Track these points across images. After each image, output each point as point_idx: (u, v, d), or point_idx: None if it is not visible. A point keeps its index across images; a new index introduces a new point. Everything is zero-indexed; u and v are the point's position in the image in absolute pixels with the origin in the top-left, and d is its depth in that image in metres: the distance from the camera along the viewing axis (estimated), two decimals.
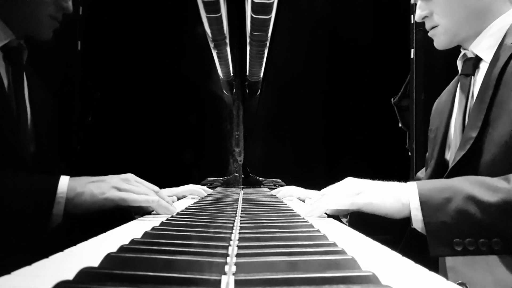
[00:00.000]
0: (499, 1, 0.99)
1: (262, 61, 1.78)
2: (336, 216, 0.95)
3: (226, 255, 0.46)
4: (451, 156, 1.01)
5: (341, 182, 0.89)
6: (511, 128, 0.82)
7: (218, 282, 0.36)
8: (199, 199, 1.22)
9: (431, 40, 1.12)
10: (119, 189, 0.86)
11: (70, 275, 0.37)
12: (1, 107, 0.94)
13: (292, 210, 0.97)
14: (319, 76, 2.75)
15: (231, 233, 0.60)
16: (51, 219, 0.80)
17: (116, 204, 0.85)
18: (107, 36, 2.36)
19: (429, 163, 1.13)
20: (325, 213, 0.92)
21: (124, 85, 2.45)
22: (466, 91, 1.00)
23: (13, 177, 0.84)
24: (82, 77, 1.95)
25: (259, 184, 2.23)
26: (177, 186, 1.48)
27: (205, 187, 1.67)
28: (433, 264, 0.89)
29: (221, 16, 1.35)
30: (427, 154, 1.21)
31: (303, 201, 1.39)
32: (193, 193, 1.47)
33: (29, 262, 0.43)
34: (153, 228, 0.63)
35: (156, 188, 0.94)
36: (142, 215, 0.95)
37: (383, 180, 0.87)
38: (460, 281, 0.82)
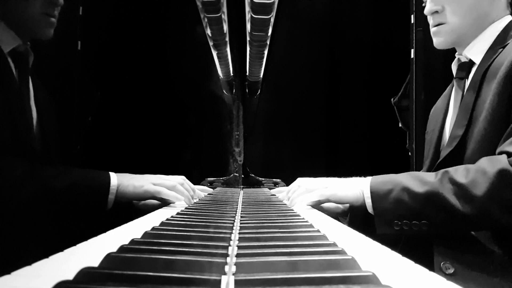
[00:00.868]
0: (497, 7, 1.04)
1: (262, 61, 1.78)
2: (335, 216, 1.02)
3: (226, 255, 0.46)
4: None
5: (314, 179, 1.07)
6: (485, 124, 0.93)
7: (218, 282, 0.36)
8: (199, 199, 1.22)
9: (431, 40, 1.13)
10: (155, 184, 1.05)
11: (70, 275, 0.37)
12: (15, 104, 1.03)
13: (292, 210, 0.97)
14: (319, 76, 2.75)
15: (231, 233, 0.60)
16: (107, 205, 1.01)
17: (151, 195, 1.04)
18: (107, 36, 2.36)
19: (424, 162, 1.20)
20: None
21: (124, 85, 2.45)
22: (460, 93, 1.05)
23: (75, 171, 1.03)
24: (82, 77, 1.95)
25: (259, 184, 2.23)
26: None
27: (204, 187, 1.67)
28: (429, 262, 0.94)
29: (221, 16, 1.35)
30: (424, 157, 1.26)
31: None
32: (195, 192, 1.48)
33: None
34: (153, 228, 0.63)
35: (182, 178, 1.12)
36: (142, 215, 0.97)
37: None
38: (445, 262, 0.91)
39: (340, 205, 1.13)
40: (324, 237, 0.57)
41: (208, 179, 2.15)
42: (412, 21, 1.93)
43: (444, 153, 1.02)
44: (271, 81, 2.39)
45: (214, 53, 1.74)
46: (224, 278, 0.37)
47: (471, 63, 1.06)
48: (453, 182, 0.85)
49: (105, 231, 0.66)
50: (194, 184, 1.53)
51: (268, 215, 0.86)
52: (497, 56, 0.97)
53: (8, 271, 0.39)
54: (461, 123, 0.99)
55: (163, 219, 0.75)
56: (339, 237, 0.64)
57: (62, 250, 0.50)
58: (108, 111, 2.28)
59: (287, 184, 2.15)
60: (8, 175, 0.93)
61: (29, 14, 1.04)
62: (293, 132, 2.69)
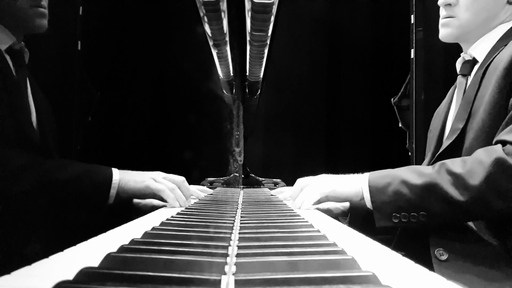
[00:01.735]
0: (507, 11, 1.07)
1: (262, 61, 1.78)
2: (335, 217, 1.03)
3: (226, 255, 0.46)
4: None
5: (314, 177, 1.07)
6: (484, 116, 0.95)
7: (218, 282, 0.36)
8: (199, 199, 1.22)
9: (431, 40, 1.15)
10: (156, 181, 1.06)
11: (70, 275, 0.37)
12: (16, 102, 1.04)
13: (292, 210, 0.97)
14: (319, 76, 2.74)
15: (231, 233, 0.60)
16: (109, 200, 1.01)
17: (152, 192, 1.05)
18: (107, 36, 2.36)
19: (426, 155, 1.22)
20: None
21: (124, 85, 2.45)
22: (463, 90, 1.08)
23: (77, 165, 1.05)
24: (82, 77, 1.95)
25: (259, 184, 2.23)
26: None
27: (204, 187, 1.66)
28: (423, 255, 0.94)
29: (221, 16, 1.35)
30: (426, 152, 1.27)
31: None
32: (192, 194, 1.48)
33: (90, 234, 0.55)
34: (153, 228, 0.63)
35: (182, 179, 1.12)
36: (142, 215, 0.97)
37: None
38: (439, 248, 0.92)
39: (339, 206, 1.14)
40: (324, 237, 0.57)
41: (208, 179, 2.15)
42: (412, 21, 1.93)
43: (444, 145, 1.04)
44: (271, 81, 2.38)
45: (214, 53, 1.74)
46: (224, 278, 0.37)
47: (474, 61, 1.09)
48: (450, 172, 0.87)
49: (104, 230, 0.66)
50: (194, 184, 1.53)
51: (268, 215, 0.86)
52: (498, 53, 1.00)
53: (8, 271, 0.39)
54: (462, 117, 1.01)
55: (163, 219, 0.75)
56: (339, 237, 0.64)
57: (62, 250, 0.50)
58: (108, 111, 2.28)
59: (287, 184, 2.15)
60: (10, 166, 0.94)
61: (18, 9, 1.05)
62: (293, 132, 2.69)
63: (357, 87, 2.72)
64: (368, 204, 0.95)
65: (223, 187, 2.12)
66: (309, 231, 0.62)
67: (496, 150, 0.85)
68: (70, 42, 1.89)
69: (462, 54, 1.14)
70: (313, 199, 1.01)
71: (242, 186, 2.14)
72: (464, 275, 0.88)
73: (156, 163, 2.48)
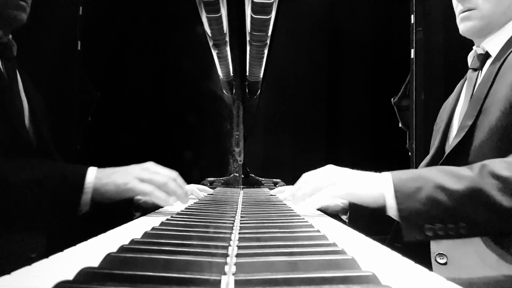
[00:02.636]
0: None
1: (262, 61, 1.78)
2: (335, 214, 0.97)
3: (226, 255, 0.46)
4: (450, 143, 1.04)
5: (320, 170, 0.91)
6: (498, 114, 0.87)
7: (218, 282, 0.36)
8: (199, 199, 1.22)
9: (431, 40, 1.12)
10: (142, 180, 0.90)
11: (70, 275, 0.37)
12: (6, 98, 0.96)
13: (292, 210, 0.97)
14: (319, 76, 2.75)
15: (231, 233, 0.60)
16: (80, 207, 0.84)
17: (136, 195, 0.90)
18: (107, 36, 2.36)
19: (430, 151, 1.16)
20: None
21: (124, 85, 2.45)
22: (473, 84, 1.02)
23: (44, 165, 0.88)
24: (82, 77, 1.95)
25: (259, 184, 2.23)
26: None
27: (205, 187, 1.65)
28: (419, 249, 0.91)
29: (221, 16, 1.35)
30: (430, 146, 1.23)
31: None
32: (192, 194, 1.47)
33: (58, 248, 0.47)
34: (153, 228, 0.63)
35: (174, 174, 0.96)
36: (142, 212, 0.96)
37: None
38: (440, 252, 0.87)
39: (339, 202, 1.08)
40: (324, 237, 0.57)
41: (208, 179, 2.15)
42: (412, 21, 1.93)
43: (452, 144, 0.97)
44: (271, 81, 2.39)
45: (214, 53, 1.74)
46: (224, 278, 0.37)
47: (487, 55, 1.03)
48: (496, 176, 0.75)
49: (104, 230, 0.66)
50: (194, 184, 1.53)
51: (268, 215, 0.85)
52: None
53: (8, 271, 0.39)
54: (471, 114, 0.94)
55: (163, 219, 0.75)
56: (339, 237, 0.64)
57: (62, 250, 0.50)
58: (108, 111, 2.28)
59: (287, 184, 2.16)
60: None
61: (1, 1, 1.00)
62: (293, 132, 2.69)
63: (357, 87, 2.72)
64: (392, 212, 0.80)
65: (223, 187, 2.12)
66: (309, 231, 0.62)
67: None
68: (70, 42, 1.89)
69: (474, 47, 1.08)
70: (320, 202, 0.88)
71: (242, 186, 2.14)
72: (464, 279, 0.84)
73: (156, 163, 2.48)
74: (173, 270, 0.39)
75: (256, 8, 1.25)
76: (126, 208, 0.99)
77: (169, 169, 0.97)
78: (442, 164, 0.98)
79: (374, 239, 0.63)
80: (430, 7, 1.87)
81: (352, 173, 0.88)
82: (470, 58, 1.10)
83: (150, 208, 1.04)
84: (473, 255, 0.86)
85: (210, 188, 2.04)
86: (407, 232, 0.77)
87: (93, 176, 0.86)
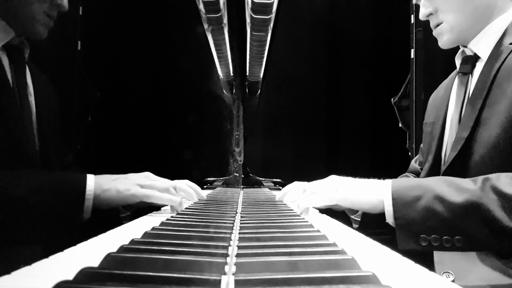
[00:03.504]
0: None
1: (262, 61, 1.78)
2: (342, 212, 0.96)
3: (226, 255, 0.46)
4: (445, 154, 1.02)
5: (324, 179, 0.93)
6: (499, 130, 0.84)
7: (218, 282, 0.36)
8: (199, 199, 1.22)
9: (431, 40, 1.12)
10: (142, 186, 0.91)
11: (70, 275, 0.37)
12: (8, 104, 0.94)
13: (292, 210, 0.97)
14: (319, 76, 2.75)
15: (231, 233, 0.60)
16: (82, 215, 0.85)
17: (139, 200, 0.90)
18: (107, 36, 2.36)
19: (425, 157, 1.13)
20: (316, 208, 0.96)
21: (124, 85, 2.45)
22: (463, 89, 0.99)
23: (43, 175, 0.88)
24: (82, 77, 1.95)
25: (259, 184, 2.23)
26: None
27: (198, 190, 1.56)
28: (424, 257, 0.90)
29: (221, 16, 1.35)
30: (421, 145, 1.21)
31: None
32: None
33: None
34: (153, 228, 0.63)
35: (173, 183, 0.98)
36: (132, 212, 0.96)
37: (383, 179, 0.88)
38: (446, 271, 0.85)
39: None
40: (324, 237, 0.57)
41: (208, 179, 2.15)
42: (412, 21, 1.93)
43: (450, 157, 0.94)
44: (271, 81, 2.39)
45: (214, 53, 1.74)
46: (224, 278, 0.37)
47: (476, 57, 1.00)
48: (498, 192, 0.73)
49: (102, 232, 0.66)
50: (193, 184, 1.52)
51: (268, 215, 0.85)
52: (509, 54, 0.90)
53: (8, 271, 0.39)
54: (467, 125, 0.91)
55: (163, 219, 0.75)
56: (339, 237, 0.64)
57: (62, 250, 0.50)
58: (108, 111, 2.29)
59: (287, 184, 2.16)
60: None
61: (30, 11, 0.99)
62: (293, 132, 2.69)
63: (357, 87, 2.72)
64: (390, 219, 0.79)
65: (223, 187, 2.12)
66: (309, 231, 0.62)
67: None
68: (70, 42, 1.89)
69: (461, 47, 1.05)
70: (318, 202, 0.89)
71: (242, 186, 2.14)
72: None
73: (156, 163, 2.49)
74: (173, 270, 0.39)
75: (256, 8, 1.25)
76: (112, 214, 0.98)
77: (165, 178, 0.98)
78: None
79: (375, 239, 0.63)
80: None
81: (353, 181, 0.88)
82: (458, 59, 1.06)
83: (141, 208, 1.02)
84: (479, 271, 0.84)
85: (210, 188, 2.04)
86: (402, 240, 0.76)
87: (93, 183, 0.87)
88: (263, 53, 1.67)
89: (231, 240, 0.56)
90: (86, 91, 1.96)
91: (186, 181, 1.11)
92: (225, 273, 0.40)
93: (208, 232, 0.60)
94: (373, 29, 2.70)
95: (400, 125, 2.05)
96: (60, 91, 1.32)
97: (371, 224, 0.92)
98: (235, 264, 0.41)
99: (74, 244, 0.55)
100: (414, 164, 1.33)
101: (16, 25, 1.00)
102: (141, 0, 2.51)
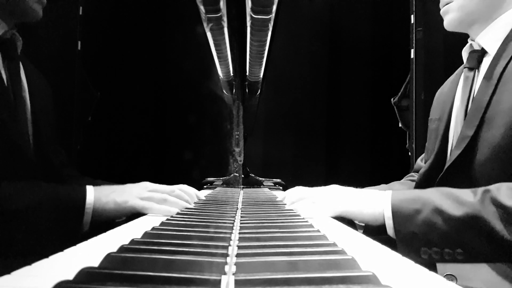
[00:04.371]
0: None
1: (262, 61, 1.78)
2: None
3: (226, 255, 0.46)
4: (449, 152, 1.00)
5: (325, 188, 0.93)
6: (503, 130, 0.83)
7: (218, 282, 0.36)
8: (199, 199, 1.22)
9: (431, 40, 1.11)
10: (141, 198, 0.91)
11: (70, 275, 0.37)
12: (2, 100, 0.92)
13: (292, 210, 0.97)
14: (319, 76, 2.75)
15: (231, 233, 0.60)
16: (82, 228, 0.85)
17: (137, 211, 0.90)
18: (107, 36, 2.36)
19: (429, 154, 1.12)
20: None
21: (124, 85, 2.45)
22: (469, 85, 0.98)
23: (44, 188, 0.86)
24: (82, 77, 1.95)
25: (259, 184, 2.23)
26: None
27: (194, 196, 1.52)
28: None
29: (221, 16, 1.35)
30: (427, 144, 1.20)
31: None
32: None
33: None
34: (153, 228, 0.63)
35: (171, 188, 0.96)
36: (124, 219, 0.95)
37: (382, 180, 0.88)
38: (448, 273, 0.84)
39: None
40: (324, 237, 0.57)
41: (208, 179, 2.15)
42: (412, 21, 1.93)
43: (453, 156, 0.93)
44: (271, 81, 2.39)
45: (214, 53, 1.74)
46: (224, 278, 0.37)
47: (483, 52, 0.98)
48: (498, 204, 0.72)
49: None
50: (195, 184, 1.52)
51: (268, 215, 0.85)
52: None
53: (8, 271, 0.39)
54: (472, 123, 0.89)
55: (163, 219, 0.75)
56: (339, 237, 0.64)
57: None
58: (108, 111, 2.29)
59: (287, 184, 2.16)
60: None
61: None
62: (293, 132, 2.69)
63: (357, 87, 2.72)
64: (390, 232, 0.80)
65: (223, 187, 2.12)
66: (309, 231, 0.62)
67: None
68: (70, 42, 1.89)
69: (469, 41, 1.03)
70: (319, 214, 0.88)
71: (242, 186, 2.14)
72: None
73: (156, 163, 2.49)
74: (173, 270, 0.39)
75: (256, 8, 1.25)
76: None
77: (165, 185, 0.97)
78: (442, 176, 0.95)
79: (375, 239, 0.63)
80: (430, 7, 1.87)
81: (353, 193, 0.89)
82: (465, 53, 1.04)
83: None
84: (483, 274, 0.83)
85: (210, 188, 2.04)
86: (403, 253, 0.74)
87: (92, 196, 0.86)
88: (263, 53, 1.67)
89: (231, 240, 0.56)
90: (86, 91, 1.96)
91: (185, 187, 1.07)
92: (225, 273, 0.40)
93: (208, 232, 0.60)
94: (373, 29, 2.70)
95: (400, 125, 2.05)
96: (60, 91, 1.31)
97: (375, 231, 0.90)
98: (235, 264, 0.41)
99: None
100: (420, 162, 1.30)
101: (8, 15, 0.96)
102: (141, 0, 2.51)
